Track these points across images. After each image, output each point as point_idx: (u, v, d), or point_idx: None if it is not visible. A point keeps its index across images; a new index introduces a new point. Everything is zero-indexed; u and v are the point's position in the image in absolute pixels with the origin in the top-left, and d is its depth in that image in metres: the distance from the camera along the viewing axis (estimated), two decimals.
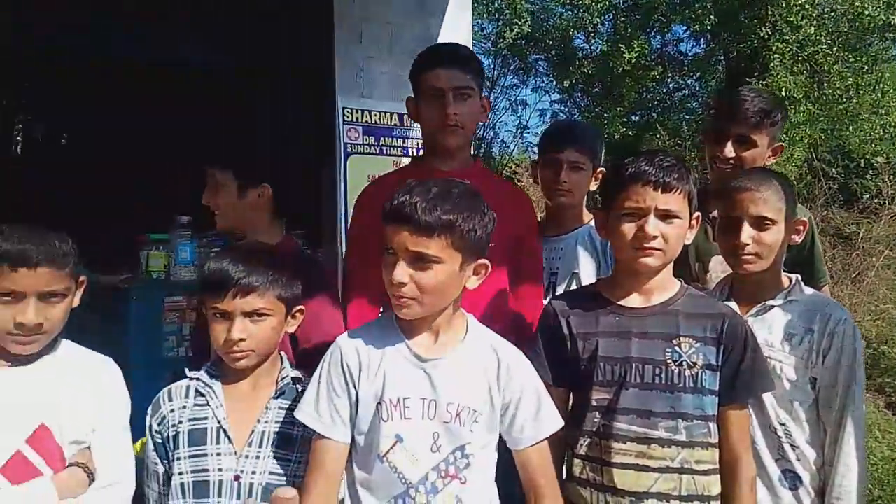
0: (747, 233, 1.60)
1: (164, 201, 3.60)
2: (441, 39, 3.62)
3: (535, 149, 3.34)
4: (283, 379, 1.46)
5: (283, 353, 1.52)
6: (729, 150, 1.99)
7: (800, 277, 1.69)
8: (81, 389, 1.40)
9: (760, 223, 1.60)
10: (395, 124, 3.63)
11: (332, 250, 3.47)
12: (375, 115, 3.58)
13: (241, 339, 1.37)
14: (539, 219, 2.22)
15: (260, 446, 1.39)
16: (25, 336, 1.31)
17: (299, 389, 1.45)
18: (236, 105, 4.49)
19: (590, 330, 1.52)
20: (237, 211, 1.82)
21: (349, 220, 3.42)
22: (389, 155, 3.62)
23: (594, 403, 1.48)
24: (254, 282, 1.38)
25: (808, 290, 1.67)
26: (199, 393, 1.42)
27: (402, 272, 1.27)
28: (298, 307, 1.50)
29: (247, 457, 1.37)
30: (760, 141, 1.98)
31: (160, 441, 1.40)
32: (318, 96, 3.61)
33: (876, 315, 6.10)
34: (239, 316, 1.38)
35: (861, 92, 8.05)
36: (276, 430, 1.41)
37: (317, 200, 3.75)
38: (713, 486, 1.44)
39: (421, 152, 2.13)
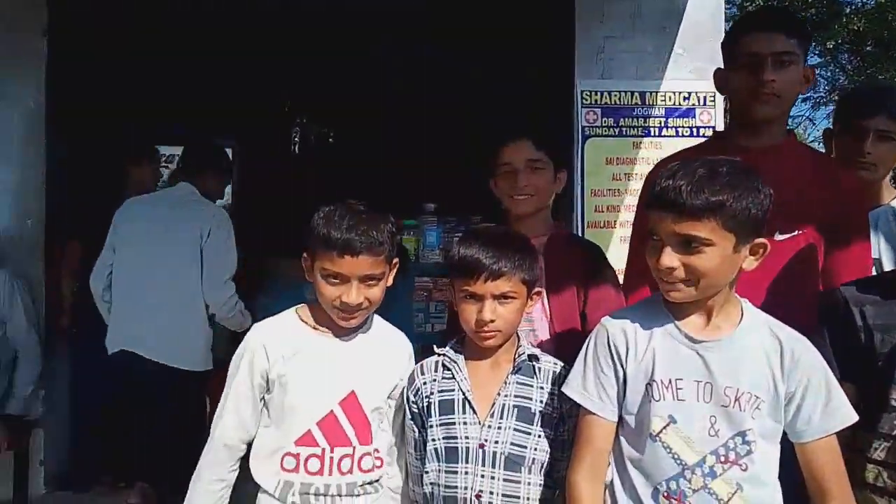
0: None
1: (411, 190, 3.92)
2: (689, 10, 3.41)
3: (790, 121, 2.98)
4: (520, 356, 1.52)
5: (519, 331, 1.57)
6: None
7: None
8: (385, 361, 1.59)
9: None
10: (637, 103, 3.51)
11: None
12: (615, 95, 3.50)
13: (492, 321, 1.45)
14: None
15: (501, 417, 1.46)
16: (349, 313, 1.52)
17: (535, 367, 1.52)
18: (478, 93, 4.65)
19: (890, 321, 1.36)
20: (548, 196, 1.82)
21: (585, 203, 3.46)
22: (629, 136, 3.52)
23: (893, 403, 1.32)
24: (503, 266, 1.45)
25: None
26: (445, 367, 1.53)
27: (669, 257, 1.24)
28: (536, 290, 1.55)
29: (489, 426, 1.45)
30: None
31: (416, 410, 1.53)
32: (556, 77, 3.61)
33: None
34: (489, 298, 1.46)
35: None
36: (515, 403, 1.47)
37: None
38: None
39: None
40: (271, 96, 5.06)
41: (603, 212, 3.47)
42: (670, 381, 1.29)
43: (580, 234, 3.45)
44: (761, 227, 1.26)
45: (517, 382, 1.50)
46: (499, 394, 1.48)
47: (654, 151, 3.42)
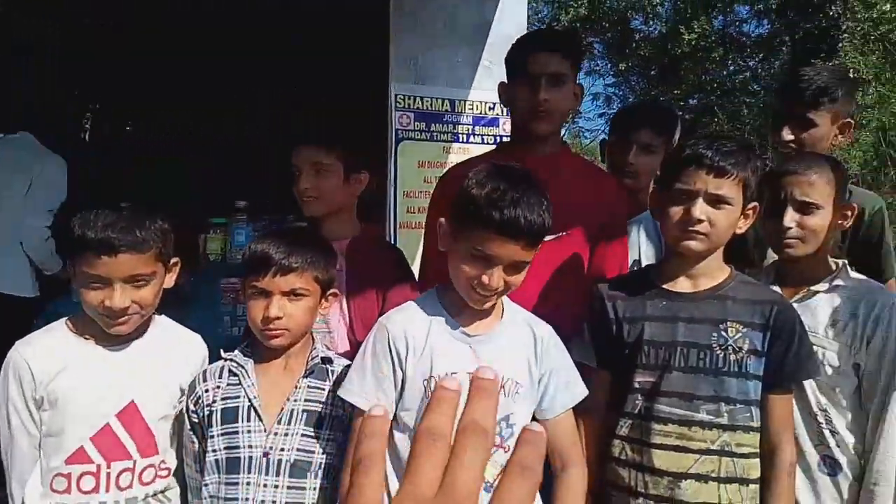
0: (790, 216, 1.59)
1: (223, 186, 3.75)
2: (496, 24, 3.62)
3: (587, 134, 3.32)
4: (313, 359, 1.49)
5: (313, 334, 1.55)
6: (786, 133, 1.93)
7: (847, 262, 1.66)
8: (170, 367, 1.50)
9: (805, 207, 1.59)
10: (447, 110, 3.67)
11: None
12: (428, 101, 3.63)
13: (278, 317, 1.41)
14: None
15: (289, 424, 1.42)
16: (115, 319, 1.39)
17: (329, 369, 1.49)
18: (293, 93, 4.59)
19: (636, 314, 1.54)
20: (339, 197, 1.78)
21: (398, 204, 3.56)
22: (440, 141, 3.66)
23: (636, 386, 1.51)
24: (294, 262, 1.42)
25: (855, 276, 1.64)
26: (232, 373, 1.46)
27: (498, 276, 1.33)
28: (332, 290, 1.53)
29: (276, 434, 1.41)
30: (820, 120, 1.91)
31: (196, 420, 1.44)
32: (371, 82, 3.67)
33: None
34: (277, 294, 1.42)
35: None
36: (305, 408, 1.44)
37: (368, 186, 3.83)
38: (753, 469, 1.45)
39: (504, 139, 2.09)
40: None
41: (415, 213, 3.56)
42: (447, 375, 1.37)
43: (393, 234, 3.54)
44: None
45: (309, 386, 1.47)
46: (288, 399, 1.45)
47: (462, 156, 3.57)
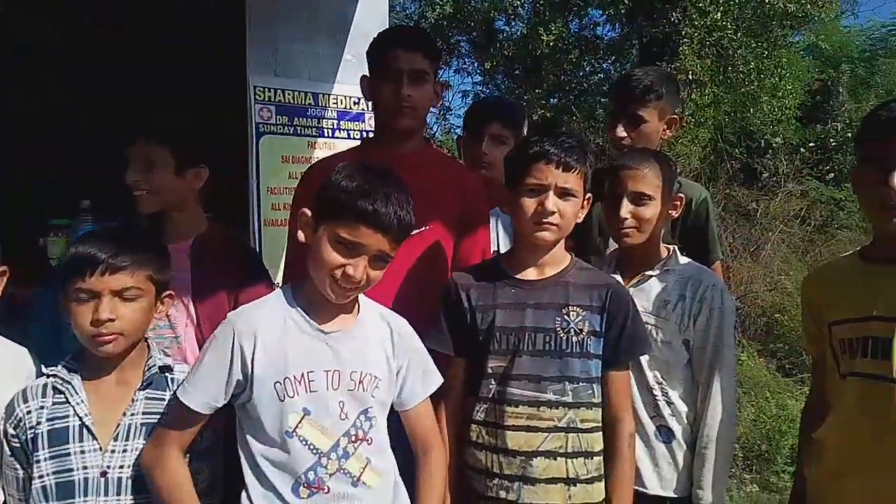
0: (626, 208, 1.72)
1: (66, 185, 3.46)
2: (357, 18, 3.60)
3: (459, 131, 3.41)
4: (150, 369, 1.42)
5: (149, 341, 1.47)
6: (620, 131, 2.10)
7: (676, 248, 1.82)
8: None
9: (639, 199, 1.72)
10: (311, 104, 3.60)
11: (244, 235, 3.42)
12: (290, 94, 3.54)
13: (110, 320, 1.31)
14: None
15: (127, 440, 1.35)
16: None
17: (169, 378, 1.42)
18: (145, 85, 4.31)
19: (488, 302, 1.60)
20: (173, 193, 1.70)
21: (261, 201, 3.45)
22: (304, 136, 3.59)
23: (490, 371, 1.57)
24: (123, 260, 1.33)
25: (684, 260, 1.80)
26: (57, 390, 1.35)
27: (362, 267, 1.34)
28: (168, 292, 1.45)
29: (113, 452, 1.33)
30: (649, 116, 2.08)
31: (18, 445, 1.33)
32: (230, 73, 3.52)
33: (771, 286, 6.56)
34: (107, 295, 1.32)
35: (762, 76, 8.53)
36: (145, 421, 1.37)
37: (232, 181, 3.68)
38: (596, 442, 1.56)
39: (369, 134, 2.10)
40: None
41: (280, 209, 3.48)
42: (303, 375, 1.35)
43: (257, 232, 3.43)
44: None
45: (147, 398, 1.39)
46: (125, 413, 1.36)
47: (328, 151, 3.51)
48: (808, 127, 9.68)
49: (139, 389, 1.38)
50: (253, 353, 1.34)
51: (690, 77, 7.75)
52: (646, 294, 1.74)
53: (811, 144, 9.02)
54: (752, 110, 8.50)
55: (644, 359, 1.69)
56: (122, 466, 1.32)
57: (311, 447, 1.34)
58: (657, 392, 1.71)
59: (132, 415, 1.36)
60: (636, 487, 1.64)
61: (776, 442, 4.05)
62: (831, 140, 9.09)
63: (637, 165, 1.74)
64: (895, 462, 1.38)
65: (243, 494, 1.34)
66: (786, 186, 7.67)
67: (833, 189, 8.07)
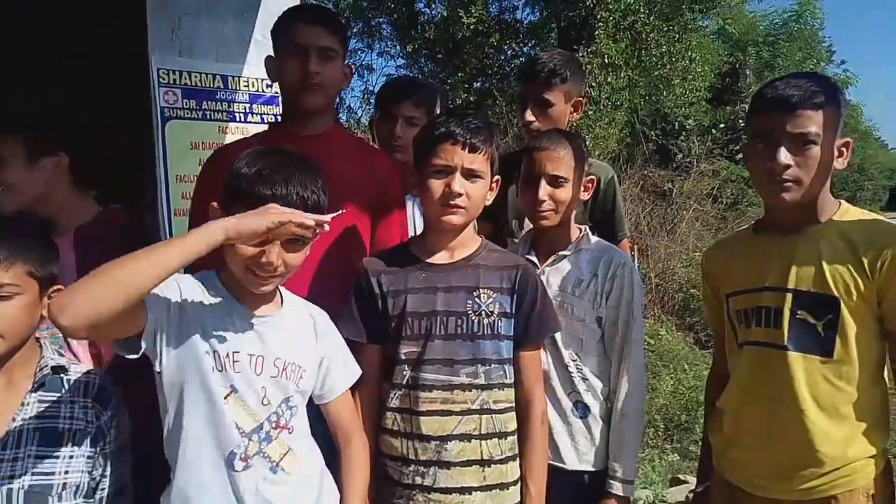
0: (544, 190, 1.72)
1: None
2: None
3: None
4: (41, 369, 1.34)
5: (42, 340, 1.39)
6: (528, 115, 2.10)
7: (588, 228, 1.84)
8: None
9: (555, 181, 1.73)
10: (220, 86, 3.44)
11: (154, 221, 3.25)
12: (196, 76, 3.36)
13: None
14: None
15: (18, 447, 1.27)
16: None
17: (63, 378, 1.35)
18: (23, 63, 4.01)
19: (399, 287, 1.58)
20: (30, 186, 1.64)
21: (170, 189, 3.28)
22: (214, 120, 3.42)
23: (403, 357, 1.55)
24: None
25: (595, 240, 1.83)
26: None
27: (276, 254, 1.30)
28: (56, 287, 1.36)
29: (2, 460, 1.25)
30: (555, 99, 2.09)
31: None
32: (129, 53, 3.31)
33: (687, 262, 6.85)
34: None
35: (674, 59, 8.82)
36: (37, 425, 1.29)
37: (140, 169, 3.49)
38: (510, 423, 1.56)
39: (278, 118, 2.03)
40: None
41: (190, 198, 3.32)
42: (228, 354, 1.32)
43: (167, 222, 3.26)
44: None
45: (40, 401, 1.31)
46: (14, 419, 1.28)
47: (241, 136, 3.40)
48: (718, 109, 10.12)
49: (30, 392, 1.30)
50: (189, 314, 1.30)
51: (606, 61, 7.92)
52: (561, 273, 1.75)
53: (721, 126, 9.44)
54: (665, 93, 8.78)
55: (559, 336, 1.70)
56: (12, 476, 1.23)
57: (237, 425, 1.31)
58: (572, 369, 1.73)
59: (23, 419, 1.27)
60: (555, 463, 1.66)
61: (695, 412, 4.22)
62: (740, 121, 9.53)
63: (553, 147, 1.74)
64: (787, 427, 1.45)
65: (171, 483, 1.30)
66: (698, 166, 8.00)
67: (743, 168, 8.46)
